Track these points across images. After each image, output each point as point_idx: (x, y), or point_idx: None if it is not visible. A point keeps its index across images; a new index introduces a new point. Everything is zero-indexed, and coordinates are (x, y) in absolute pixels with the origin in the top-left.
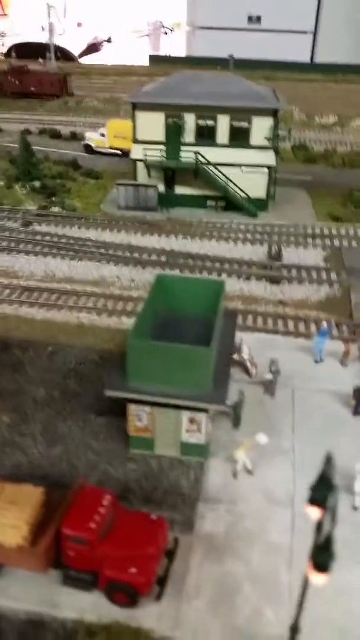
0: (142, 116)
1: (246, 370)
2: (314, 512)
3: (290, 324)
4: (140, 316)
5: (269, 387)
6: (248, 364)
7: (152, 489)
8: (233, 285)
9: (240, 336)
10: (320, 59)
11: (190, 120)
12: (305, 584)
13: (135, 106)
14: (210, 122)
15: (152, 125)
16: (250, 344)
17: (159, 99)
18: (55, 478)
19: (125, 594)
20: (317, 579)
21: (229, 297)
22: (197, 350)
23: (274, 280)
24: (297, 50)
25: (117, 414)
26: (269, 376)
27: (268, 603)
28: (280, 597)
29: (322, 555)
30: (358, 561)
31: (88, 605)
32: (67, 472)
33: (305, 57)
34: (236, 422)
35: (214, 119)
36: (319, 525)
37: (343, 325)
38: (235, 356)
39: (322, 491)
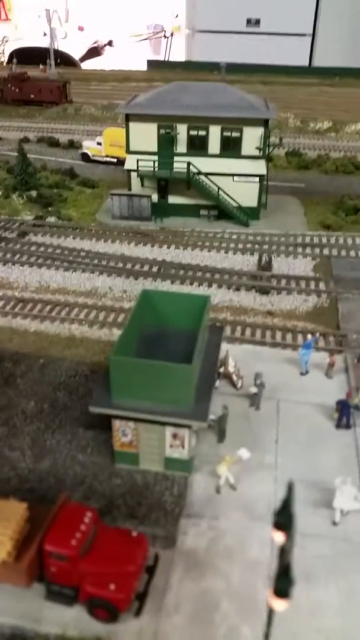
0: (135, 127)
1: (232, 383)
2: (279, 537)
3: (278, 335)
4: (125, 332)
5: (254, 400)
6: (234, 377)
7: (136, 504)
8: (223, 296)
9: (226, 349)
10: (318, 61)
11: (182, 131)
12: (271, 614)
13: (128, 117)
14: (202, 133)
15: (145, 135)
16: (237, 356)
17: (151, 110)
18: (43, 492)
19: (105, 610)
20: (278, 605)
21: (218, 309)
22: (179, 367)
23: (263, 291)
24: (295, 53)
25: (105, 428)
26: (253, 389)
27: (245, 620)
28: (258, 614)
29: (282, 582)
30: (334, 578)
31: (70, 620)
32: (54, 486)
33: (303, 60)
34: (221, 436)
35: (206, 129)
36: (282, 551)
37: (330, 336)
38: (221, 369)
39: (285, 516)
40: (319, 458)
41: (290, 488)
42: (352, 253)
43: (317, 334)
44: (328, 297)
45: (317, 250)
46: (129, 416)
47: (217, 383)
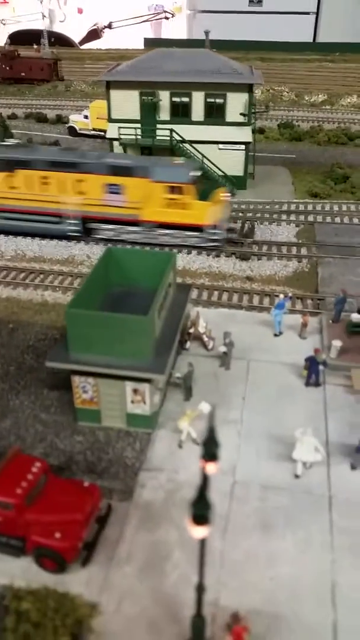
0: (116, 94)
1: (203, 344)
2: (211, 468)
3: (256, 299)
4: (84, 287)
5: (224, 360)
6: (205, 338)
7: (96, 459)
8: (202, 262)
9: (197, 310)
10: (323, 38)
11: (164, 98)
12: (203, 543)
13: (109, 85)
14: (184, 99)
15: (127, 103)
16: (211, 318)
17: (132, 77)
18: (1, 450)
19: (52, 560)
20: (197, 532)
21: (197, 274)
22: (135, 319)
23: (244, 257)
24: (299, 32)
25: (70, 388)
26: (223, 349)
27: (196, 568)
28: (211, 564)
29: (199, 507)
30: (292, 529)
31: (18, 571)
32: (14, 444)
33: (307, 39)
34: (187, 394)
35: (189, 95)
36: (205, 479)
37: (307, 300)
38: (191, 330)
39: (213, 446)
40: (285, 414)
41: (211, 414)
42: (338, 219)
43: (290, 294)
44: (309, 262)
45: (302, 217)
46: (86, 370)
47: (188, 344)
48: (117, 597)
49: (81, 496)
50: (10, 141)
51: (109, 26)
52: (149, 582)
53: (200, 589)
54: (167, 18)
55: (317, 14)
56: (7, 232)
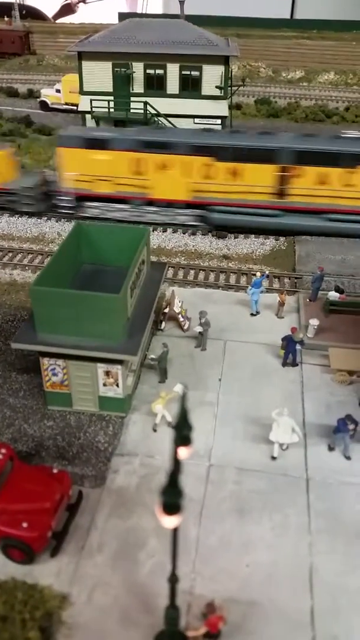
0: (88, 66)
1: (179, 325)
2: (183, 452)
3: (232, 278)
4: (50, 263)
5: (200, 341)
6: (180, 318)
7: (67, 445)
8: (178, 240)
9: (172, 289)
10: (300, 16)
11: (138, 70)
12: (175, 533)
13: (81, 56)
14: (159, 71)
15: (99, 75)
16: (187, 298)
17: (105, 47)
18: None
19: (20, 550)
20: (168, 521)
21: (172, 253)
22: (106, 297)
23: (220, 235)
24: (276, 8)
25: (40, 371)
26: (198, 329)
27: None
28: (186, 551)
29: (169, 495)
30: (269, 512)
31: None
32: None
33: (285, 15)
34: (162, 376)
35: (163, 67)
36: (176, 464)
37: (285, 278)
38: (166, 310)
39: (184, 430)
40: (262, 394)
41: (183, 396)
42: None
43: (267, 272)
44: (286, 240)
45: None
46: (55, 352)
47: (163, 325)
48: (88, 588)
49: (50, 483)
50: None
51: (83, 0)
52: (121, 572)
53: (173, 579)
54: None
55: None
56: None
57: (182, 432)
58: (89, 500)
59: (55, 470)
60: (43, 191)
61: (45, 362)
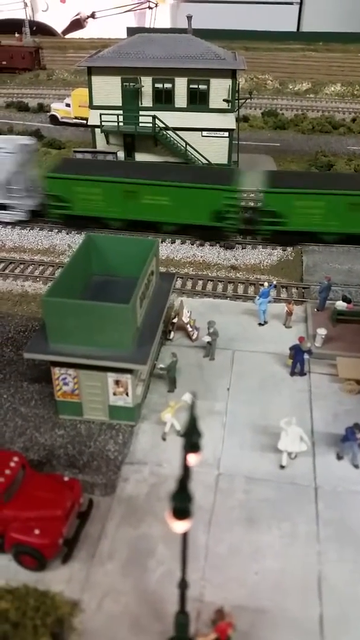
0: (97, 81)
1: (187, 334)
2: (192, 458)
3: (240, 288)
4: (62, 275)
5: (208, 350)
6: (189, 328)
7: (78, 453)
8: (186, 251)
9: (180, 299)
10: (307, 27)
11: (147, 84)
12: (185, 538)
13: (90, 71)
14: (167, 85)
15: (109, 89)
16: (196, 308)
17: (114, 62)
18: None
19: (32, 557)
20: (177, 526)
21: (180, 264)
22: (116, 308)
23: (228, 246)
24: (283, 22)
25: (51, 381)
26: (207, 338)
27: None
28: (195, 558)
29: (179, 500)
30: (277, 521)
31: None
32: None
33: (291, 28)
34: (171, 385)
35: (171, 81)
36: (186, 470)
37: (292, 288)
38: (175, 320)
39: (195, 436)
40: (270, 404)
41: (192, 404)
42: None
43: (274, 282)
44: (293, 250)
45: None
46: (66, 361)
47: (172, 335)
48: (99, 595)
49: (61, 491)
50: None
51: (92, 16)
52: (131, 579)
53: (183, 585)
54: (150, 8)
55: (300, 4)
56: None
57: (192, 439)
58: (100, 508)
59: (66, 479)
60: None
61: (57, 371)
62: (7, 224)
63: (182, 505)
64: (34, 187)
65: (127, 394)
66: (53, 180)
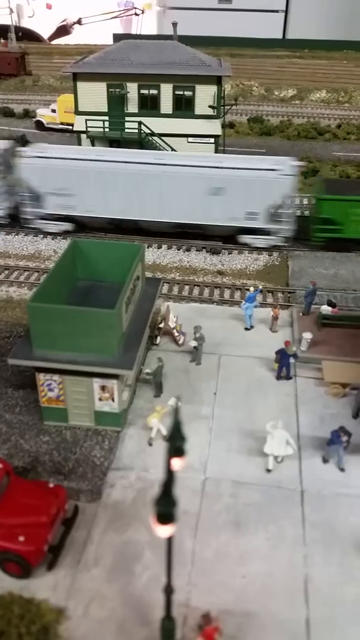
0: (83, 86)
1: (174, 339)
2: (177, 463)
3: (227, 293)
4: (47, 280)
5: (194, 354)
6: (175, 333)
7: (63, 460)
8: (173, 256)
9: (167, 304)
10: (292, 35)
11: (132, 90)
12: (170, 543)
13: (76, 77)
14: (153, 91)
15: (94, 95)
16: (183, 313)
17: (99, 69)
18: None
19: (17, 564)
20: (162, 531)
21: (167, 269)
22: (101, 313)
23: (214, 251)
24: (268, 29)
25: (36, 387)
26: (193, 343)
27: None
28: (182, 563)
29: (163, 505)
30: (264, 525)
31: None
32: None
33: (277, 35)
34: (157, 390)
35: (157, 87)
36: (170, 475)
37: (278, 293)
38: (161, 325)
39: (178, 442)
40: (256, 408)
41: (176, 408)
42: (307, 213)
43: (260, 287)
44: (279, 255)
45: None
46: (51, 367)
47: (159, 340)
48: (84, 601)
49: (46, 498)
50: None
51: (79, 22)
52: (118, 585)
53: (168, 590)
54: (136, 14)
55: (286, 12)
56: None
57: (176, 444)
58: (85, 514)
59: (51, 485)
60: None
61: (41, 377)
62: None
63: (166, 510)
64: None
65: (113, 400)
66: (326, 202)
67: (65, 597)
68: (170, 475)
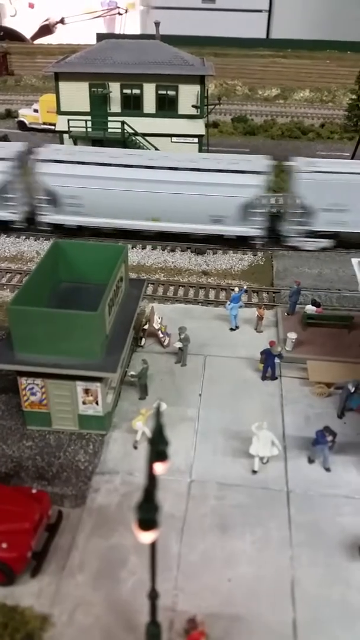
0: (65, 86)
1: (159, 341)
2: (159, 467)
3: (212, 294)
4: (28, 282)
5: (179, 355)
6: (160, 334)
7: (47, 465)
8: (157, 257)
9: (151, 305)
10: (275, 34)
11: (115, 89)
12: (153, 548)
13: (58, 76)
14: (136, 91)
15: (76, 95)
16: (168, 314)
17: (82, 68)
18: None
19: (0, 571)
20: (144, 537)
21: (152, 270)
22: (84, 315)
23: (199, 252)
24: (252, 29)
25: (18, 390)
26: (178, 344)
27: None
28: (168, 567)
29: (145, 510)
30: (250, 527)
31: None
32: None
33: (260, 35)
34: (142, 392)
35: (140, 87)
36: (152, 479)
37: (263, 293)
38: (146, 326)
39: (160, 445)
40: (242, 409)
41: (158, 411)
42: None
43: (245, 287)
44: (264, 255)
45: None
46: (32, 371)
47: (143, 341)
48: (69, 608)
49: (29, 504)
50: None
51: (62, 21)
52: (103, 591)
53: (153, 595)
54: (120, 14)
55: (269, 12)
56: None
57: (158, 447)
58: (70, 519)
59: (34, 491)
60: None
61: (24, 381)
62: None
63: (148, 515)
64: None
65: (97, 403)
66: None
67: (50, 604)
68: (152, 480)
